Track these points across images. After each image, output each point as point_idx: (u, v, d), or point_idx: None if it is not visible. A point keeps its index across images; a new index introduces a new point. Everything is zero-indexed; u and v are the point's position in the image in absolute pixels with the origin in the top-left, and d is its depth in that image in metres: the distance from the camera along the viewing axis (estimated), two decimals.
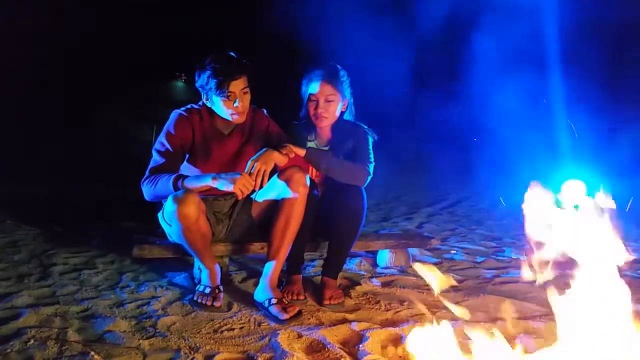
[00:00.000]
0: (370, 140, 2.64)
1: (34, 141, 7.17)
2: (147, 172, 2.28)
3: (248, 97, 2.33)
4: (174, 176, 2.19)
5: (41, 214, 4.01)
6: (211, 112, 2.39)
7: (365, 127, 2.66)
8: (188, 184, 2.17)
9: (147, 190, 2.25)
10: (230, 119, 2.35)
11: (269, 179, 2.24)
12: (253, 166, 2.19)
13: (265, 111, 2.55)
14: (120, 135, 7.86)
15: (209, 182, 2.14)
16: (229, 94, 2.25)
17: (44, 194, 4.88)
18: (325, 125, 2.61)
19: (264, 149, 2.27)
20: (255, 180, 2.16)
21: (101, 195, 4.89)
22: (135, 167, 2.58)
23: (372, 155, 2.57)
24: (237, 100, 2.27)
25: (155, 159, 2.30)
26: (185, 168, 2.39)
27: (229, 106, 2.29)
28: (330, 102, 2.55)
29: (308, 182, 2.31)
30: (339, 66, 2.63)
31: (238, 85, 2.26)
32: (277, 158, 2.26)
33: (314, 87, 2.56)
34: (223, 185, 2.12)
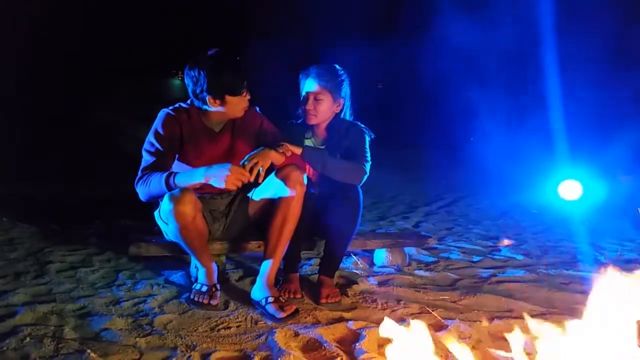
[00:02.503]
0: (367, 138, 2.64)
1: (31, 140, 7.16)
2: (139, 173, 2.25)
3: (247, 99, 2.35)
4: (165, 174, 2.16)
5: (38, 212, 4.00)
6: (200, 110, 2.36)
7: (362, 125, 2.66)
8: (180, 181, 2.14)
9: (142, 191, 2.23)
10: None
11: (265, 177, 2.24)
12: (247, 159, 2.17)
13: (257, 109, 2.53)
14: (117, 134, 7.84)
15: (202, 181, 2.13)
16: (224, 103, 2.28)
17: (40, 192, 4.87)
18: (313, 123, 2.61)
19: (261, 148, 2.26)
20: (251, 172, 2.14)
21: (98, 194, 4.88)
22: (132, 165, 2.58)
23: (368, 154, 2.57)
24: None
25: (146, 158, 2.27)
26: (178, 166, 2.36)
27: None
28: (320, 101, 2.55)
29: (305, 181, 2.31)
30: (336, 66, 2.63)
31: (241, 100, 2.31)
32: (274, 156, 2.26)
33: (305, 85, 2.59)
34: (216, 183, 2.11)
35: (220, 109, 2.30)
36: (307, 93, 2.57)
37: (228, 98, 2.27)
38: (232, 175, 2.08)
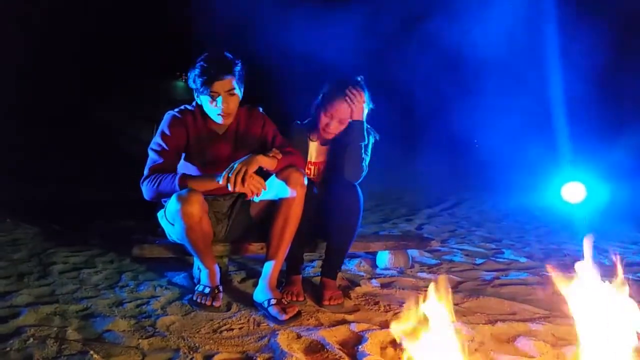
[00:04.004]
0: (372, 140, 2.64)
1: (33, 141, 7.18)
2: (146, 172, 2.27)
3: (235, 99, 2.31)
4: (179, 175, 2.18)
5: (41, 213, 4.01)
6: (204, 113, 2.38)
7: (368, 126, 2.67)
8: (194, 184, 2.17)
9: (149, 190, 2.24)
10: (216, 119, 2.34)
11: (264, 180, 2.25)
12: (232, 167, 2.14)
13: (260, 109, 2.53)
14: (120, 135, 7.86)
15: (220, 183, 2.14)
16: (212, 93, 2.25)
17: (42, 193, 4.88)
18: (332, 137, 2.61)
19: (249, 155, 2.22)
20: (236, 179, 2.11)
21: (100, 195, 4.89)
22: (135, 167, 2.58)
23: (368, 158, 2.59)
24: (220, 99, 2.26)
25: (153, 158, 2.28)
26: (183, 166, 2.38)
27: (213, 106, 2.29)
28: (343, 124, 2.54)
29: (306, 182, 2.31)
30: (364, 85, 2.55)
31: (223, 86, 2.24)
32: (263, 161, 2.22)
33: (333, 105, 2.51)
34: (230, 186, 2.12)
35: (219, 109, 2.29)
36: (332, 114, 2.51)
37: (216, 86, 2.23)
38: (251, 181, 2.12)
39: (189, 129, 2.36)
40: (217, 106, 2.27)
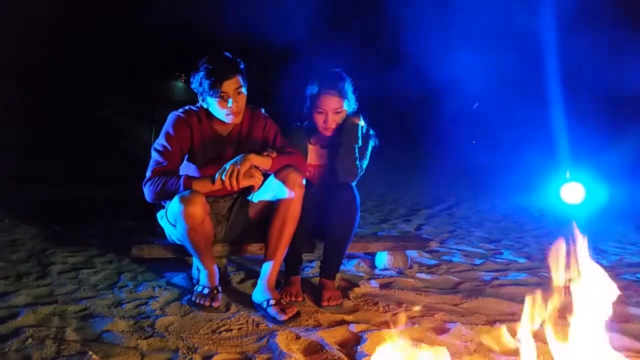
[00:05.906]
0: (371, 143, 2.65)
1: (32, 140, 7.17)
2: (149, 173, 2.27)
3: (243, 97, 2.32)
4: (183, 177, 2.19)
5: (40, 213, 4.01)
6: (209, 114, 2.38)
7: (372, 132, 2.67)
8: (198, 185, 2.18)
9: (152, 192, 2.24)
10: (225, 120, 2.34)
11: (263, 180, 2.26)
12: (225, 169, 2.17)
13: (263, 110, 2.54)
14: (118, 134, 7.85)
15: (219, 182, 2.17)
16: (222, 94, 2.25)
17: (41, 193, 4.88)
18: (331, 133, 2.61)
19: (241, 155, 2.23)
20: (230, 180, 2.15)
21: (100, 195, 4.89)
22: (134, 167, 2.58)
23: (366, 162, 2.59)
24: (231, 100, 2.27)
25: (157, 159, 2.28)
26: (185, 167, 2.39)
27: (223, 106, 2.29)
28: (339, 114, 2.54)
29: (304, 182, 2.31)
30: (342, 73, 2.59)
31: (231, 85, 2.26)
32: (256, 160, 2.23)
33: (321, 100, 2.52)
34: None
35: (229, 109, 2.29)
36: (324, 108, 2.52)
37: (225, 86, 2.24)
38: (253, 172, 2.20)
39: (193, 131, 2.36)
40: (228, 106, 2.28)
